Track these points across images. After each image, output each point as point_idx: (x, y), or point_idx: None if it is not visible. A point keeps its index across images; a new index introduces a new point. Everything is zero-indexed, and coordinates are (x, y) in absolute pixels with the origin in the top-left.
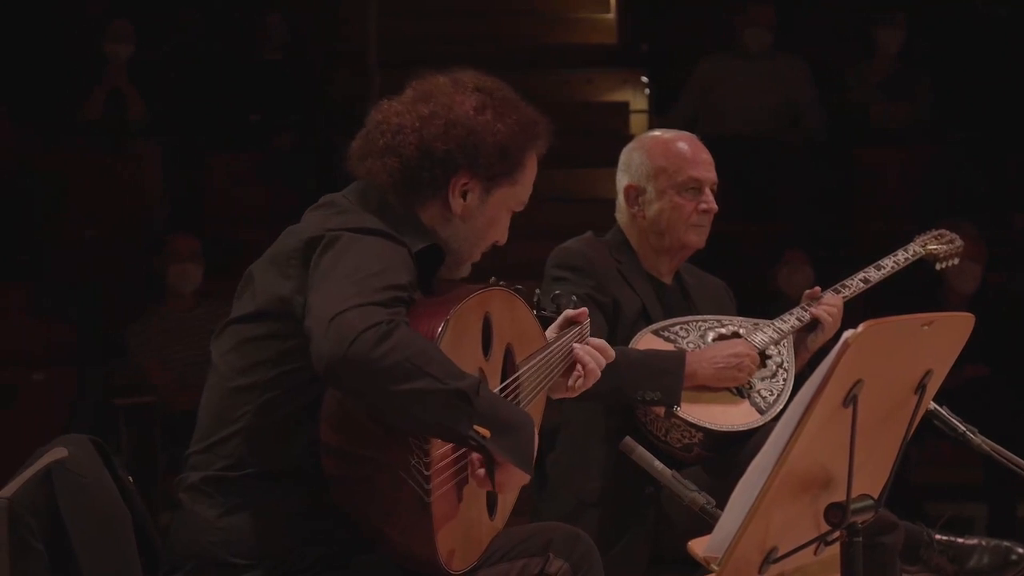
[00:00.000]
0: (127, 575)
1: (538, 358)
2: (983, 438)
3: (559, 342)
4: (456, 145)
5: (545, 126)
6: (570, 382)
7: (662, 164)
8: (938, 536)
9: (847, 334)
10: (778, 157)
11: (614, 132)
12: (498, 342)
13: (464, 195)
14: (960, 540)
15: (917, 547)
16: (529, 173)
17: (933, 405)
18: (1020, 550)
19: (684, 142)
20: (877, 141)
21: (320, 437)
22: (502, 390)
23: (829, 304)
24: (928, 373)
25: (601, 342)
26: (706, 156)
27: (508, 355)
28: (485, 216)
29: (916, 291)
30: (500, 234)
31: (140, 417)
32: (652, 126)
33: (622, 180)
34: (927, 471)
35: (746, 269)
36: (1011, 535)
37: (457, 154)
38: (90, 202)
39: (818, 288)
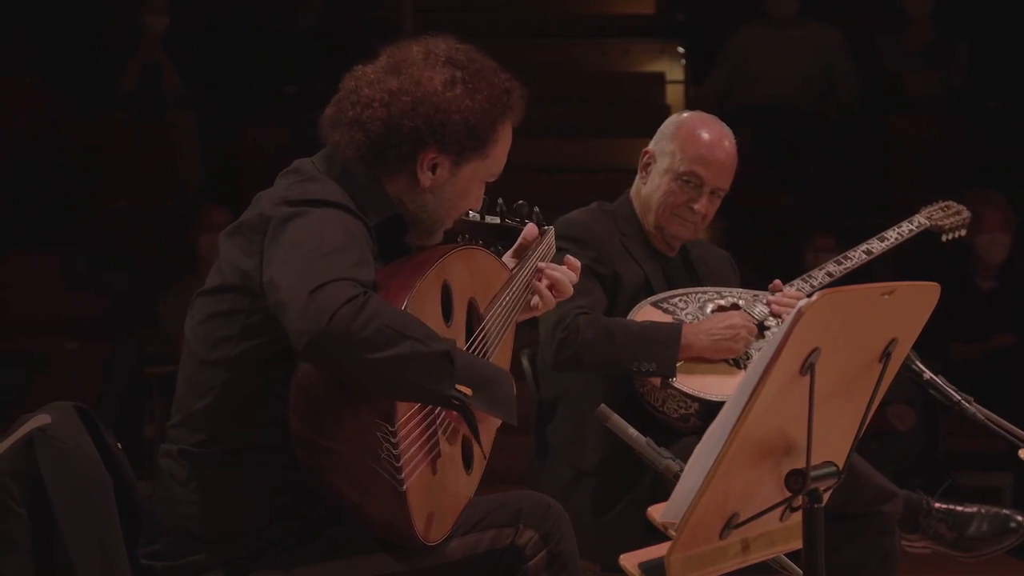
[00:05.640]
0: (107, 540)
1: (501, 299)
2: (978, 407)
3: (520, 274)
4: (423, 122)
5: (519, 95)
6: (532, 302)
7: (677, 146)
8: (937, 504)
9: (801, 303)
10: (811, 126)
11: (650, 102)
12: (459, 304)
13: (433, 169)
14: (959, 508)
15: (916, 515)
16: (502, 146)
17: (929, 375)
18: (1019, 518)
19: (711, 136)
20: (910, 109)
21: (290, 426)
22: (469, 347)
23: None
24: (893, 342)
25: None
26: (724, 161)
27: (472, 310)
28: (455, 189)
29: (944, 261)
30: (473, 203)
31: (172, 385)
32: (688, 97)
33: (650, 144)
34: (955, 440)
35: (777, 238)
36: None
37: (424, 131)
38: (124, 172)
39: (779, 281)
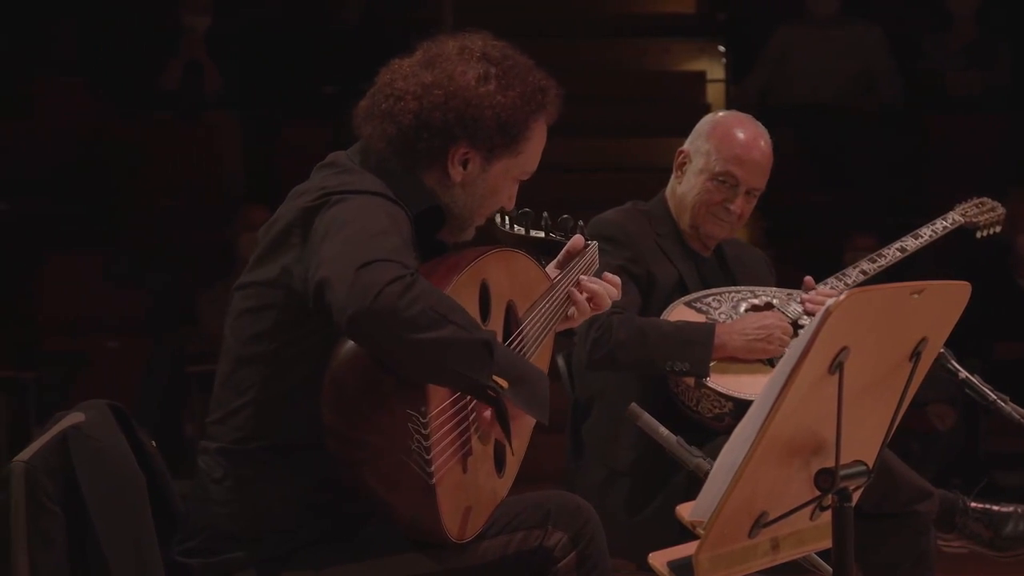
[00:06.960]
0: (141, 538)
1: (541, 305)
2: (1014, 406)
3: (561, 284)
4: (454, 117)
5: (554, 93)
6: (569, 312)
7: (713, 145)
8: (973, 503)
9: (829, 302)
10: (851, 125)
11: (691, 101)
12: (496, 304)
13: (464, 164)
14: (995, 507)
15: (952, 515)
16: (534, 144)
17: (965, 374)
18: None
19: (746, 136)
20: (951, 108)
21: (322, 420)
22: None
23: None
24: (923, 341)
25: (614, 278)
26: (759, 161)
27: (510, 312)
28: (487, 185)
29: (985, 260)
30: (505, 201)
31: (212, 384)
32: (729, 96)
33: (685, 143)
34: (996, 440)
35: (817, 237)
36: None
37: (455, 125)
38: (166, 171)
39: (810, 278)
